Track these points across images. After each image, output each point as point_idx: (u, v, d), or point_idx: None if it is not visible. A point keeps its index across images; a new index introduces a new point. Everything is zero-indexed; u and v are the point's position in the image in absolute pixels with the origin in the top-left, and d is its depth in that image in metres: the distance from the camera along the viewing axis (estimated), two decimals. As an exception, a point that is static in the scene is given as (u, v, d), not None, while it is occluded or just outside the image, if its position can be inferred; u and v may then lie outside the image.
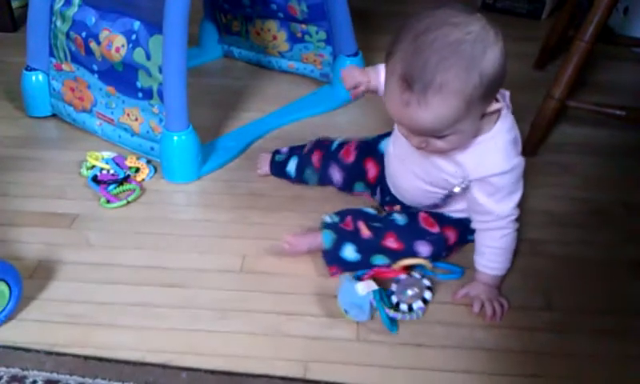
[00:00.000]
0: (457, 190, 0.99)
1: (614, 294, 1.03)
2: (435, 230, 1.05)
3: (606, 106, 1.37)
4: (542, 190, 1.27)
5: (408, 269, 1.02)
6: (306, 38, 1.66)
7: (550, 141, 1.44)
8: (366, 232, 1.04)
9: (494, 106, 0.90)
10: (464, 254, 1.08)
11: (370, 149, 1.19)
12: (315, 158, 1.22)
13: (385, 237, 1.03)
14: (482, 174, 0.95)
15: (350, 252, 1.03)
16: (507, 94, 0.97)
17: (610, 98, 1.55)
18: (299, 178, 1.25)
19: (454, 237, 1.06)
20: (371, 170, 1.17)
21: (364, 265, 1.03)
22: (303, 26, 1.64)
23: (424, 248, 1.03)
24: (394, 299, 0.97)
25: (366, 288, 0.93)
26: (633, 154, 1.42)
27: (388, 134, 1.14)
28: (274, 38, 1.72)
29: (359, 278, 0.99)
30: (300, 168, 1.24)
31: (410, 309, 0.95)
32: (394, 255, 1.03)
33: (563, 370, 0.89)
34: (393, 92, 0.85)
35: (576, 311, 0.99)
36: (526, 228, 1.16)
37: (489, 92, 0.85)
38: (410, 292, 0.96)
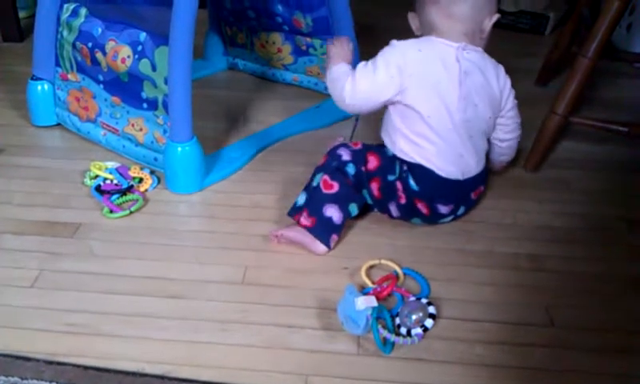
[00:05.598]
0: None
1: (616, 310, 1.02)
2: None
3: (609, 122, 1.37)
4: (544, 206, 1.27)
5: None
6: (311, 51, 1.67)
7: (553, 156, 1.44)
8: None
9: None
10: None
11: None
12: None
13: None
14: None
15: (301, 197, 1.16)
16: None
17: (613, 114, 1.55)
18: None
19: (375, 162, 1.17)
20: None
21: (312, 203, 1.13)
22: (308, 39, 1.65)
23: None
24: (397, 321, 0.97)
25: (364, 303, 0.92)
26: (635, 170, 1.42)
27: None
28: (279, 50, 1.73)
29: (364, 293, 0.98)
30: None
31: (409, 333, 0.94)
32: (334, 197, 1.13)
33: (564, 387, 0.89)
34: None
35: (577, 328, 0.98)
36: (528, 243, 1.16)
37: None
38: (414, 317, 0.95)
